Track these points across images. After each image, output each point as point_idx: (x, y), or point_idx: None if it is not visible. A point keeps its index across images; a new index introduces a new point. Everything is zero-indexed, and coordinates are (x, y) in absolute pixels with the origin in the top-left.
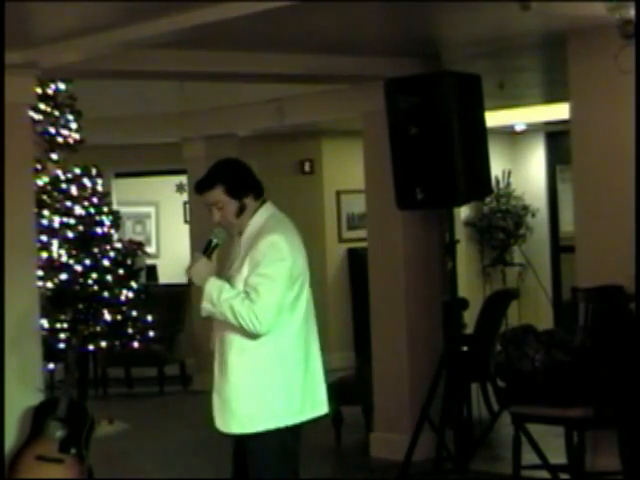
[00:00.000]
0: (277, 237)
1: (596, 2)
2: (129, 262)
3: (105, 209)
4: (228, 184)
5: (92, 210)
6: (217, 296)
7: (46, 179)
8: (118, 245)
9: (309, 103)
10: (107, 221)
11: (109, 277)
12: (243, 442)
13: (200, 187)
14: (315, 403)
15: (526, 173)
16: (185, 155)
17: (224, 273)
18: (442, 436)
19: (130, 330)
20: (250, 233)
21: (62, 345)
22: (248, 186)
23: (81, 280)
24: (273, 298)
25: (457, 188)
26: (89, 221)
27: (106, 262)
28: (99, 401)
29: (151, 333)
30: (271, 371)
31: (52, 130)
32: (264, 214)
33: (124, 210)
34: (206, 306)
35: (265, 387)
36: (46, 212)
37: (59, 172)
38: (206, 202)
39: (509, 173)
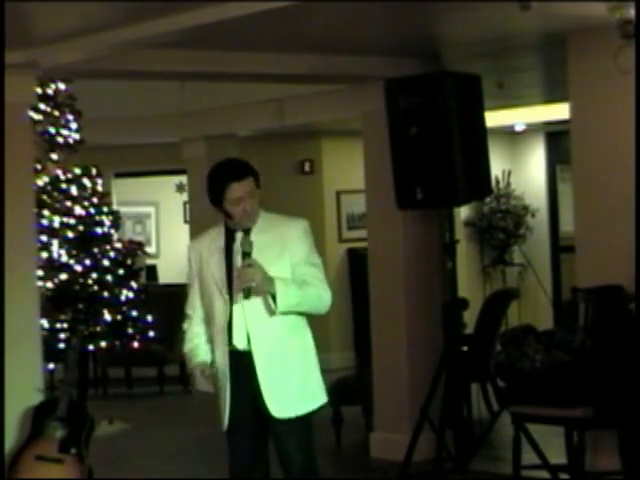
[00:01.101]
0: (307, 222)
1: (596, 2)
2: (129, 262)
3: (105, 209)
4: (256, 175)
5: (92, 210)
6: (298, 291)
7: (46, 179)
8: (118, 245)
9: (309, 103)
10: (107, 221)
11: (109, 277)
12: (280, 429)
13: (237, 176)
14: None
15: (526, 173)
16: (185, 155)
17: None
18: (442, 436)
19: (130, 330)
20: (263, 226)
21: (62, 345)
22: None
23: (81, 280)
24: (323, 274)
25: (457, 188)
26: (89, 221)
27: (106, 262)
28: (99, 401)
29: (151, 333)
30: (314, 349)
31: (52, 130)
32: (261, 209)
33: (124, 210)
34: (285, 304)
35: (316, 364)
36: (46, 212)
37: (59, 172)
38: (241, 192)
39: (509, 173)
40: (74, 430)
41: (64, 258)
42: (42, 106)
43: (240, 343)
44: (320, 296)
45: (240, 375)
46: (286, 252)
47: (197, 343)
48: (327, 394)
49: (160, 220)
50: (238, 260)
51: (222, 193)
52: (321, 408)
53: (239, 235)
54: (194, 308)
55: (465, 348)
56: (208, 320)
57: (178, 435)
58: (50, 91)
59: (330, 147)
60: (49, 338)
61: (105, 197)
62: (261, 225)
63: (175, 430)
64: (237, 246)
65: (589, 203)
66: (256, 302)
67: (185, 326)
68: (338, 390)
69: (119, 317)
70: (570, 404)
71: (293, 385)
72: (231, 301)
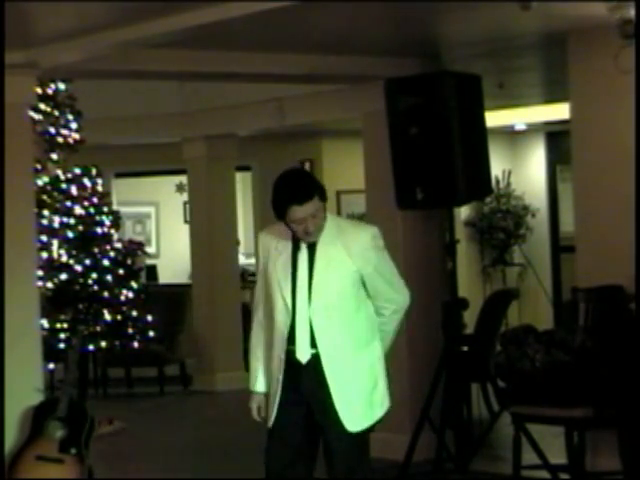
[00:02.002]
0: (376, 230)
1: (596, 2)
2: (129, 262)
3: (105, 209)
4: (321, 190)
5: (92, 210)
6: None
7: (46, 179)
8: (118, 245)
9: (309, 103)
10: (107, 221)
11: (109, 277)
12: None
13: (300, 199)
14: None
15: (526, 173)
16: (185, 155)
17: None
18: (442, 436)
19: (130, 330)
20: (331, 234)
21: (62, 345)
22: (326, 197)
23: (81, 280)
24: (398, 275)
25: (457, 188)
26: (89, 221)
27: (106, 262)
28: (99, 401)
29: (151, 333)
30: (383, 358)
31: (52, 130)
32: (330, 215)
33: (124, 210)
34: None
35: (382, 374)
36: (46, 212)
37: (59, 172)
38: (303, 214)
39: (509, 173)
40: (74, 430)
41: (64, 258)
42: (42, 106)
43: (303, 354)
44: (401, 308)
45: (296, 384)
46: (353, 263)
47: (256, 367)
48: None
49: (160, 220)
50: (303, 267)
51: (284, 213)
52: (380, 420)
53: (303, 245)
54: (257, 306)
55: (465, 348)
56: (268, 322)
57: (178, 435)
58: (50, 91)
59: (330, 147)
60: (49, 338)
61: (105, 197)
62: (327, 236)
63: (175, 430)
64: (302, 253)
65: (589, 203)
66: (323, 314)
67: (252, 325)
68: None
69: (119, 317)
70: (570, 404)
71: (364, 397)
72: (294, 309)
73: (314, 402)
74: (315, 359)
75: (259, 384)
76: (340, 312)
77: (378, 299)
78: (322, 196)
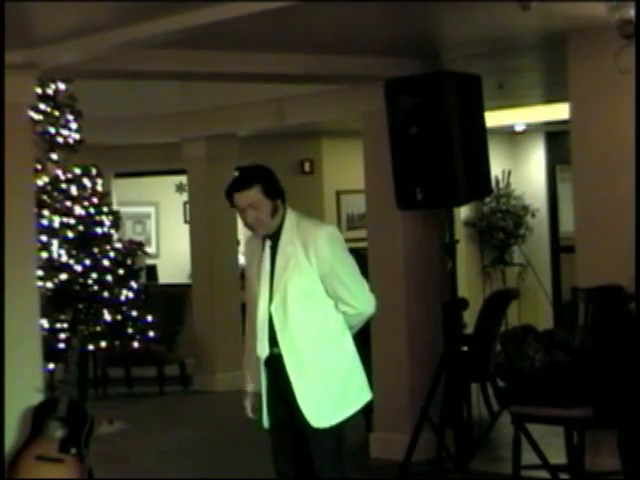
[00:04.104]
0: (333, 228)
1: (596, 2)
2: (129, 262)
3: (105, 209)
4: (265, 183)
5: (92, 210)
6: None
7: (46, 179)
8: (118, 245)
9: (309, 103)
10: (107, 221)
11: (109, 277)
12: (314, 436)
13: (237, 187)
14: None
15: (526, 173)
16: (185, 155)
17: (256, 280)
18: (442, 436)
19: (130, 330)
20: (290, 233)
21: (62, 345)
22: (279, 189)
23: (81, 280)
24: (359, 280)
25: (457, 188)
26: (89, 221)
27: (106, 262)
28: (99, 401)
29: (151, 333)
30: (354, 348)
31: (52, 130)
32: (293, 214)
33: (124, 210)
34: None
35: (356, 368)
36: (46, 212)
37: (59, 172)
38: (241, 203)
39: (509, 173)
40: (74, 430)
41: (64, 258)
42: (42, 106)
43: (262, 351)
44: (361, 314)
45: (276, 378)
46: (310, 262)
47: (247, 366)
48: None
49: (160, 220)
50: (266, 267)
51: (230, 200)
52: (357, 414)
53: (267, 245)
54: (248, 306)
55: (465, 348)
56: (252, 319)
57: (178, 435)
58: (50, 91)
59: (330, 147)
60: (49, 338)
61: (105, 197)
62: (287, 236)
63: (175, 430)
64: (266, 253)
65: (589, 203)
66: (283, 312)
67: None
68: None
69: (119, 317)
70: (570, 404)
71: (332, 393)
72: (270, 303)
73: (287, 399)
74: (280, 356)
75: (249, 383)
76: (301, 310)
77: (339, 302)
78: (268, 192)
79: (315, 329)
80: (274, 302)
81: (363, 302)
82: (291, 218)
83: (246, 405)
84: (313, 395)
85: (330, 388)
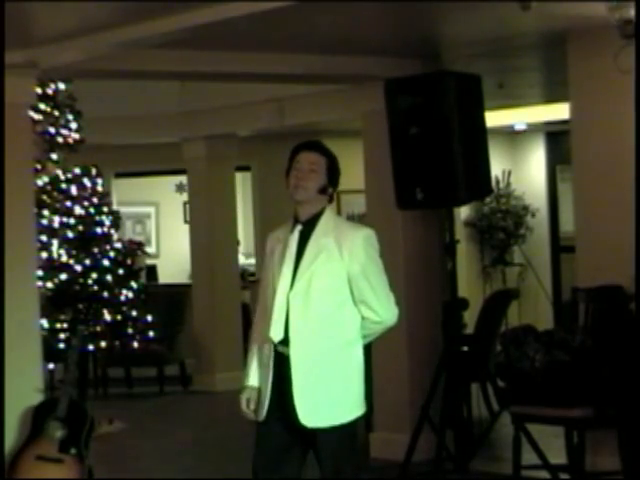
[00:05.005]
0: (371, 232)
1: (596, 2)
2: (129, 262)
3: (105, 209)
4: (332, 164)
5: (92, 210)
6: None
7: (46, 179)
8: (118, 245)
9: (309, 103)
10: (107, 221)
11: (109, 277)
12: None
13: (310, 146)
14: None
15: (526, 173)
16: (185, 155)
17: (277, 270)
18: (442, 436)
19: (130, 330)
20: (326, 226)
21: (62, 345)
22: (337, 181)
23: (81, 280)
24: (387, 288)
25: (457, 188)
26: (89, 221)
27: (106, 262)
28: (99, 401)
29: (151, 333)
30: (362, 359)
31: (52, 130)
32: (333, 212)
33: (124, 210)
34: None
35: (361, 372)
36: (46, 212)
37: (59, 172)
38: (304, 161)
39: (509, 173)
40: (74, 430)
41: (64, 258)
42: (42, 106)
43: (275, 334)
44: (382, 322)
45: (282, 373)
46: (342, 259)
47: (250, 361)
48: (365, 406)
49: (160, 220)
50: (291, 252)
51: (293, 158)
52: (354, 422)
53: (296, 231)
54: (258, 301)
55: (465, 348)
56: (262, 311)
57: (178, 435)
58: (50, 91)
59: (330, 147)
60: (49, 338)
61: (105, 197)
62: (323, 227)
63: (175, 430)
64: (293, 238)
65: (589, 203)
66: (302, 300)
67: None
68: None
69: (119, 317)
70: (570, 404)
71: (328, 395)
72: (290, 289)
73: (284, 391)
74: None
75: (250, 377)
76: (320, 302)
77: (362, 306)
78: (330, 171)
79: (330, 328)
80: (294, 289)
81: (388, 310)
82: (330, 214)
83: (242, 398)
84: (309, 390)
85: (328, 390)
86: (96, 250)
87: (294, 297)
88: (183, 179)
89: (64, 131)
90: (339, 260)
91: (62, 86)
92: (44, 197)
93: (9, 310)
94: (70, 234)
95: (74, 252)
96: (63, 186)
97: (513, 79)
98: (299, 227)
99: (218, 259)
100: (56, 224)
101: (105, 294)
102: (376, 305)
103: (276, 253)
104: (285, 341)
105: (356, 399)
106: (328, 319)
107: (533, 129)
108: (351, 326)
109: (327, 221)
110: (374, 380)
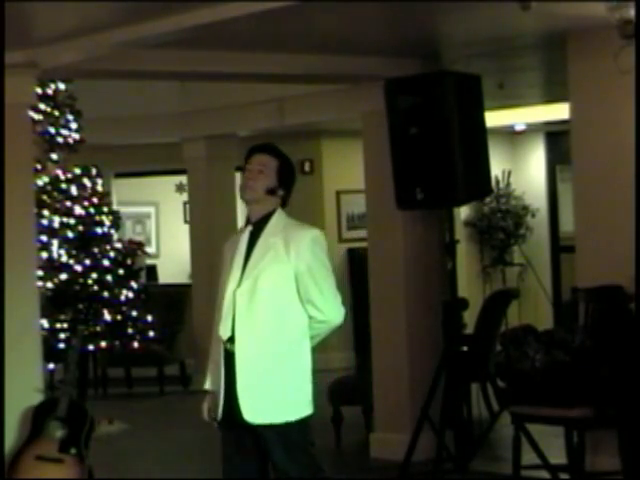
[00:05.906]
0: (319, 232)
1: (596, 2)
2: (129, 262)
3: (105, 209)
4: (284, 167)
5: (92, 210)
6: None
7: (46, 179)
8: (118, 245)
9: (309, 103)
10: (107, 221)
11: (109, 277)
12: (270, 435)
13: (262, 148)
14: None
15: (526, 173)
16: (185, 155)
17: (228, 268)
18: (442, 436)
19: (130, 330)
20: (275, 227)
21: (62, 345)
22: (289, 185)
23: (81, 280)
24: (333, 287)
25: (457, 188)
26: (89, 221)
27: (106, 262)
28: (99, 401)
29: (151, 333)
30: (310, 359)
31: (52, 130)
32: (284, 214)
33: (124, 210)
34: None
35: (308, 372)
36: (46, 212)
37: (59, 172)
38: (254, 162)
39: (509, 173)
40: (74, 430)
41: (64, 258)
42: (42, 106)
43: (224, 331)
44: (328, 321)
45: (229, 371)
46: (288, 258)
47: (207, 365)
48: (313, 405)
49: (160, 220)
50: (241, 252)
51: (246, 159)
52: (303, 421)
53: (247, 232)
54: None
55: (465, 348)
56: (218, 309)
57: (178, 435)
58: (50, 91)
59: (330, 147)
60: (49, 338)
61: (105, 197)
62: (272, 227)
63: (175, 430)
64: (243, 240)
65: (589, 203)
66: (248, 298)
67: None
68: (338, 390)
69: (119, 317)
70: (570, 404)
71: (271, 392)
72: (237, 287)
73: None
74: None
75: (207, 382)
76: (266, 301)
77: (309, 305)
78: (281, 173)
79: (275, 326)
80: (241, 287)
81: (333, 309)
82: (281, 215)
83: (203, 407)
84: (252, 386)
85: (271, 387)
86: (96, 250)
87: (240, 295)
88: (183, 179)
89: (64, 131)
90: (286, 259)
91: (62, 86)
92: (44, 197)
93: (9, 310)
94: (70, 234)
95: (74, 252)
96: (63, 186)
97: (513, 79)
98: (250, 227)
99: (218, 259)
100: (56, 224)
101: (105, 294)
102: (322, 304)
103: (230, 255)
104: (232, 339)
105: (303, 398)
106: (274, 318)
107: (533, 129)
108: (297, 326)
109: (277, 222)
110: (374, 380)
